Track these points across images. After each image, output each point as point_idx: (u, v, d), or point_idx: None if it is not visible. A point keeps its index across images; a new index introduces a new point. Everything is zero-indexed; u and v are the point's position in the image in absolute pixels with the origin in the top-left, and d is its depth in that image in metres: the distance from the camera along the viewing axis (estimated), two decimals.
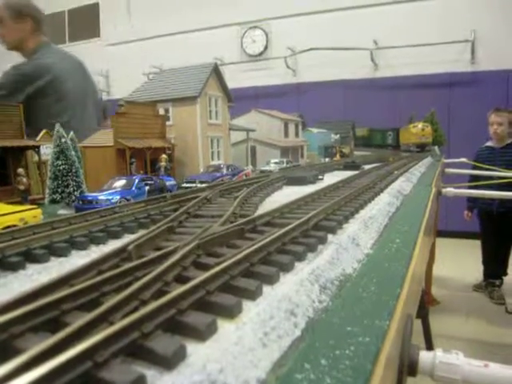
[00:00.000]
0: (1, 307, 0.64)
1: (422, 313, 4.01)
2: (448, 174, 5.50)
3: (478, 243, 5.92)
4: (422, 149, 7.03)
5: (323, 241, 1.20)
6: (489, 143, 5.74)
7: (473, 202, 5.88)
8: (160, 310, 0.64)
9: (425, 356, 1.02)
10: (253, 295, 0.79)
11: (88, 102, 4.53)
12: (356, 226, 1.43)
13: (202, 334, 0.64)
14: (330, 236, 1.27)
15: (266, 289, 0.85)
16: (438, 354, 1.02)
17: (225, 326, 0.69)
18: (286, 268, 0.96)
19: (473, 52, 8.43)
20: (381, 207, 1.80)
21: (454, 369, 1.01)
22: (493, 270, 5.65)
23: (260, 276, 0.87)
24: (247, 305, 0.77)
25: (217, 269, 0.80)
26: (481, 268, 5.82)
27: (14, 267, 1.04)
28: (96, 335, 0.53)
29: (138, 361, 0.57)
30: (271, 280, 0.88)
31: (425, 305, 4.27)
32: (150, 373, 0.54)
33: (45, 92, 4.20)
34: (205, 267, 0.90)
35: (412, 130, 6.99)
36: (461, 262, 6.76)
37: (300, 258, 1.04)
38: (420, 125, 6.87)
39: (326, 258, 1.07)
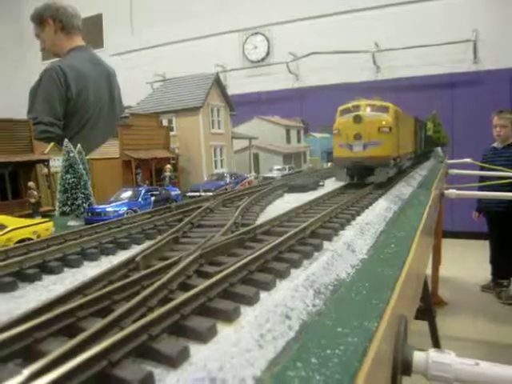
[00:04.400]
0: (24, 316, 0.72)
1: (429, 315, 4.03)
2: (452, 175, 5.54)
3: (485, 243, 5.93)
4: (361, 177, 2.62)
5: (319, 248, 1.27)
6: (494, 144, 5.83)
7: (482, 203, 5.91)
8: (165, 316, 0.72)
9: (418, 356, 1.07)
10: (250, 301, 0.86)
11: (103, 116, 4.17)
12: (352, 233, 1.49)
13: (204, 337, 0.71)
14: (326, 243, 1.33)
15: (263, 295, 0.91)
16: (431, 354, 1.07)
17: (224, 330, 0.76)
18: (283, 275, 1.02)
19: (475, 52, 8.45)
20: (378, 213, 1.85)
21: (446, 368, 1.05)
22: (501, 271, 5.66)
23: (257, 283, 0.94)
24: (245, 310, 0.84)
25: (217, 277, 0.88)
26: (488, 268, 5.82)
27: (31, 278, 1.12)
28: (110, 338, 0.60)
29: (147, 360, 0.65)
30: (268, 287, 0.95)
31: (432, 306, 4.29)
32: (158, 370, 0.62)
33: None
34: (206, 275, 0.97)
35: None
36: (468, 263, 6.75)
37: (296, 265, 1.11)
38: (362, 107, 2.63)
39: (321, 264, 1.13)
